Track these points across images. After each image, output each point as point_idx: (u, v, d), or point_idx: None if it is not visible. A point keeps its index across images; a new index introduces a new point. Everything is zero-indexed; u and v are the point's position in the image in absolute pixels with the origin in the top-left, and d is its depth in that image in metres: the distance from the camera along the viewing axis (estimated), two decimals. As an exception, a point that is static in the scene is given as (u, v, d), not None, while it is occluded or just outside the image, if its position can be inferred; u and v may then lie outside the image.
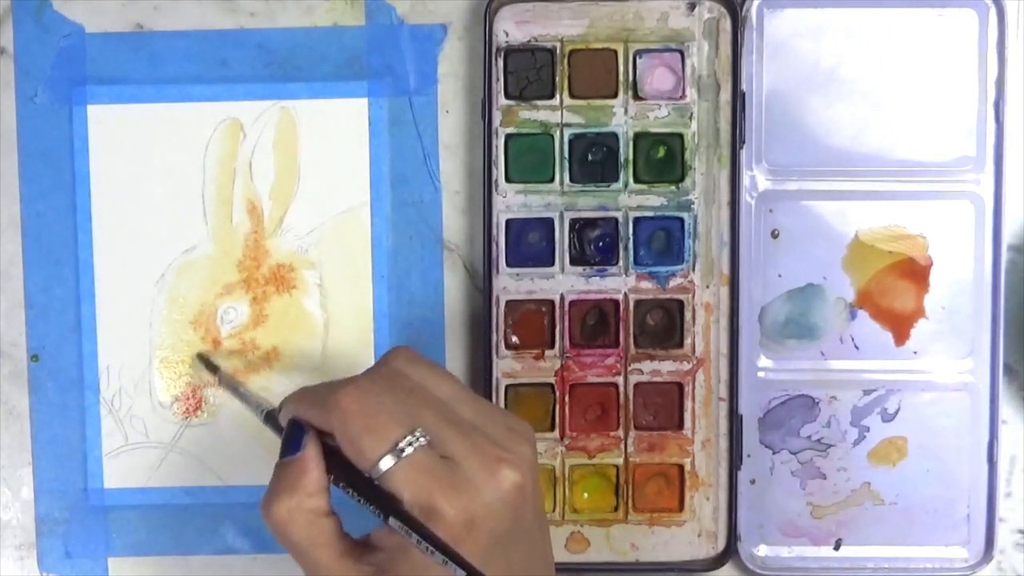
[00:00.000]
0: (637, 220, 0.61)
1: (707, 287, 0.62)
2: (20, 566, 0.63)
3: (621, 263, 0.62)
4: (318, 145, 0.62)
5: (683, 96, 0.61)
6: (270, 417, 0.53)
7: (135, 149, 0.62)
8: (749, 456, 0.62)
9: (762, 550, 0.63)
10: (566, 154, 0.61)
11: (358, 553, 0.49)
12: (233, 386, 0.60)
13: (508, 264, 0.61)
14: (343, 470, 0.49)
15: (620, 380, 0.62)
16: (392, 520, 0.47)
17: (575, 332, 0.62)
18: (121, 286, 0.62)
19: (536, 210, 0.61)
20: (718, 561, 0.62)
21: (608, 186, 0.61)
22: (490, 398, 0.61)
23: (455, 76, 0.62)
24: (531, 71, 0.61)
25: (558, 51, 0.61)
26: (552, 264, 0.61)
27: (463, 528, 0.47)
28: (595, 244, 0.62)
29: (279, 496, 0.49)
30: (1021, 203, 0.62)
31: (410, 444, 0.47)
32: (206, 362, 0.62)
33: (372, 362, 0.62)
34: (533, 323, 0.62)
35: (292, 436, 0.50)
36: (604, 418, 0.62)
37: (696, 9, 0.61)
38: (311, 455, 0.50)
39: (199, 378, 0.62)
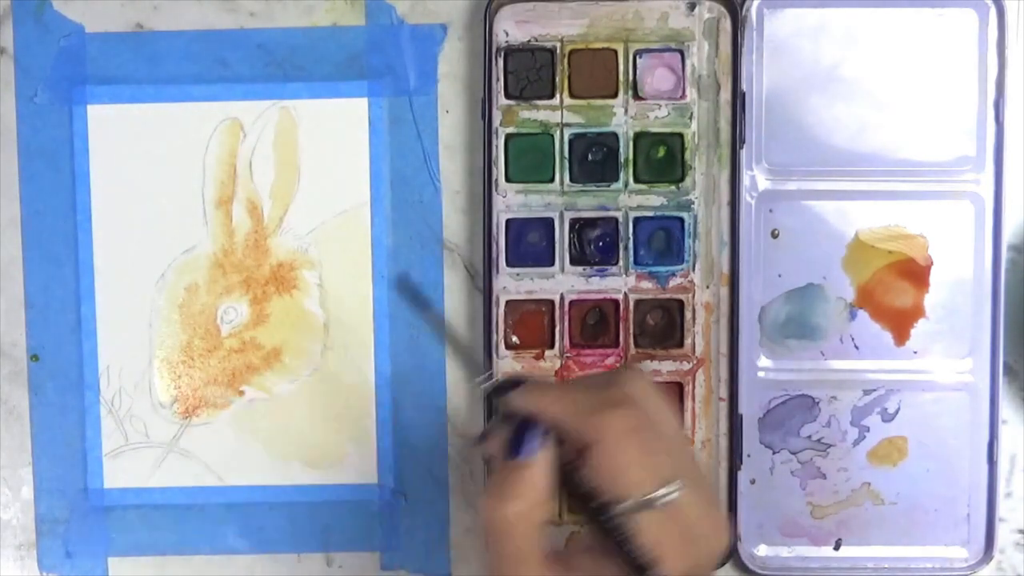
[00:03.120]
0: (637, 220, 0.61)
1: (707, 287, 0.62)
2: (20, 566, 0.63)
3: (621, 263, 0.62)
4: (318, 145, 0.62)
5: (683, 96, 0.61)
6: (489, 391, 0.51)
7: (135, 149, 0.62)
8: (749, 456, 0.62)
9: (762, 550, 0.63)
10: (566, 154, 0.61)
11: (560, 566, 0.49)
12: (452, 337, 0.56)
13: (508, 264, 0.61)
14: (568, 484, 0.48)
15: (620, 380, 0.62)
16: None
17: (575, 332, 0.62)
18: (121, 286, 0.62)
19: (536, 210, 0.61)
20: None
21: (608, 186, 0.61)
22: (490, 398, 0.61)
23: (455, 76, 0.62)
24: (531, 71, 0.61)
25: (558, 51, 0.61)
26: (552, 264, 0.61)
27: None
28: (595, 244, 0.62)
29: (502, 500, 0.48)
30: (1021, 203, 0.62)
31: (670, 493, 0.47)
32: (411, 292, 0.58)
33: (372, 363, 0.62)
34: (533, 323, 0.62)
35: (522, 436, 0.49)
36: (604, 418, 0.62)
37: (696, 9, 0.61)
38: (546, 462, 0.48)
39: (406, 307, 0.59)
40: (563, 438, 0.49)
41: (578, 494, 0.48)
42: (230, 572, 0.63)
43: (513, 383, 0.50)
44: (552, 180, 0.61)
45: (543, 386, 0.50)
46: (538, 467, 0.48)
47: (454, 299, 0.62)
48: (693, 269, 0.62)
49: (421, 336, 0.62)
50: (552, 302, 0.62)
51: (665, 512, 0.47)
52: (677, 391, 0.62)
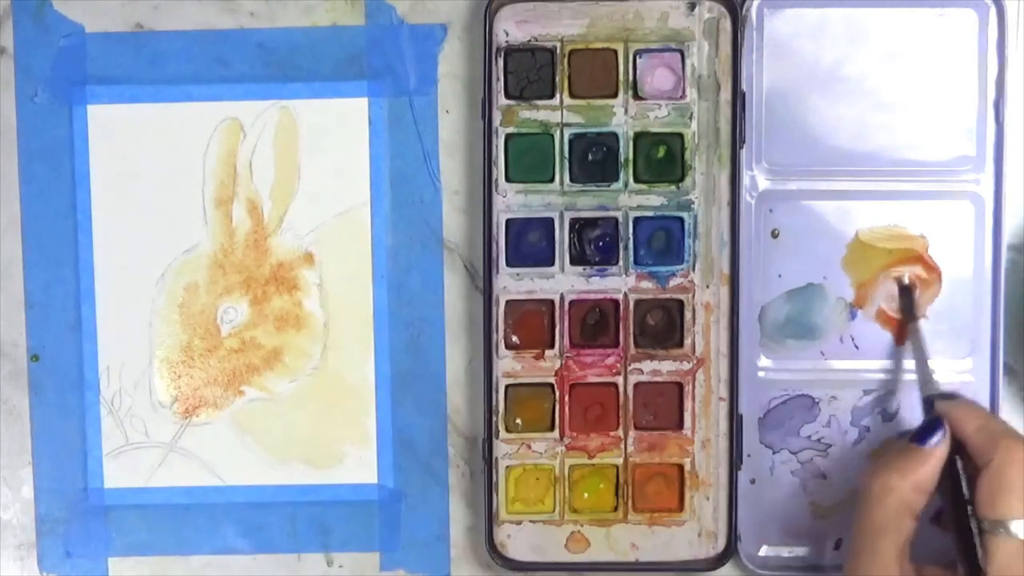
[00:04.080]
0: (637, 220, 0.61)
1: (707, 287, 0.62)
2: (20, 566, 0.63)
3: (621, 263, 0.62)
4: (318, 145, 0.62)
5: (683, 96, 0.61)
6: (927, 402, 0.56)
7: (135, 149, 0.62)
8: (749, 456, 0.62)
9: (762, 550, 0.63)
10: (566, 154, 0.61)
11: (911, 568, 0.53)
12: (920, 350, 0.60)
13: (508, 264, 0.61)
14: (949, 489, 0.53)
15: (620, 380, 0.62)
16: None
17: (575, 332, 0.62)
18: (121, 286, 0.62)
19: (536, 210, 0.61)
20: (718, 561, 0.62)
21: (608, 186, 0.61)
22: (490, 398, 0.61)
23: (455, 76, 0.62)
24: (531, 71, 0.61)
25: (558, 51, 0.61)
26: (552, 264, 0.61)
27: None
28: (595, 244, 0.62)
29: (890, 471, 0.53)
30: (1021, 203, 0.62)
31: None
32: (909, 299, 0.61)
33: (372, 363, 0.62)
34: (533, 323, 0.62)
35: (931, 428, 0.54)
36: (604, 418, 0.62)
37: (696, 9, 0.61)
38: (939, 455, 0.53)
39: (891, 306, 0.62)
40: (966, 449, 0.54)
41: (956, 503, 0.53)
42: (230, 572, 0.63)
43: (949, 395, 0.57)
44: (552, 180, 0.61)
45: (968, 403, 0.56)
46: (932, 457, 0.53)
47: (454, 299, 0.62)
48: (693, 269, 0.62)
49: (421, 336, 0.62)
50: (552, 302, 0.62)
51: (1021, 546, 0.50)
52: (677, 391, 0.62)
